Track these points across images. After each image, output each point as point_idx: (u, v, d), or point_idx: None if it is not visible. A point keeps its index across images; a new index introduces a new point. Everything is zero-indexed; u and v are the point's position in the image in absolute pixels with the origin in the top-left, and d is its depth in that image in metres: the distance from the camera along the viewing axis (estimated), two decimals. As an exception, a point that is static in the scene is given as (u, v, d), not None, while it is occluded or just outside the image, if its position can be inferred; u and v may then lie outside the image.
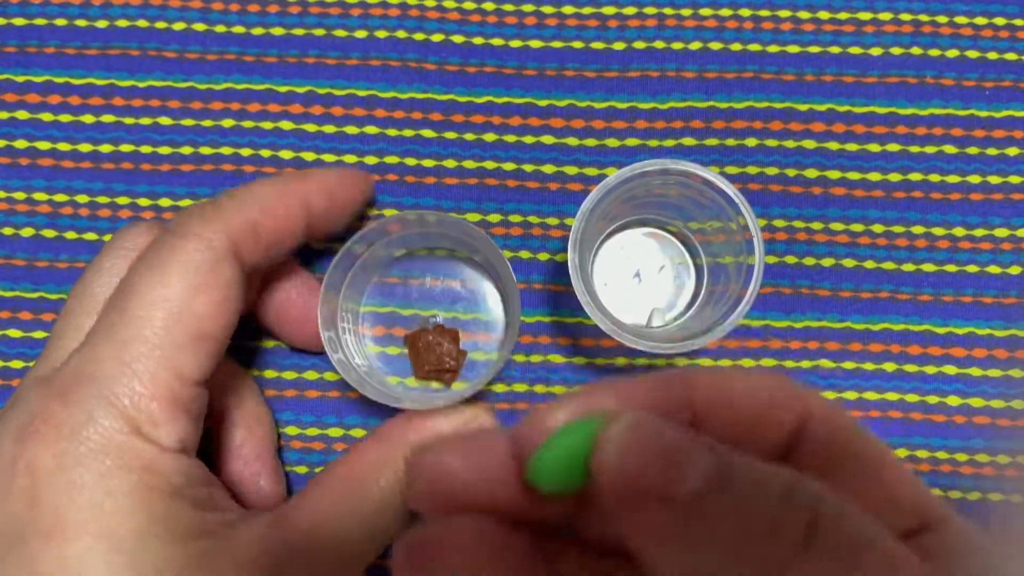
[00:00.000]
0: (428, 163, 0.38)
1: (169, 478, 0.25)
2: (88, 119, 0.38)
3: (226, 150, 0.38)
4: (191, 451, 0.27)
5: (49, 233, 0.37)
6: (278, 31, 0.39)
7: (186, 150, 0.38)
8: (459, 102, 0.38)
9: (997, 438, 0.36)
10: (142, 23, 0.39)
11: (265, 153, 0.38)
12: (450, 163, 0.38)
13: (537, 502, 0.18)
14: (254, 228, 0.29)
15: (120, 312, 0.26)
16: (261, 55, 0.38)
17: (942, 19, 0.39)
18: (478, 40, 0.39)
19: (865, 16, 0.39)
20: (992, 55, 0.38)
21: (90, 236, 0.37)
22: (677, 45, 0.38)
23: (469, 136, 0.38)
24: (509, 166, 0.38)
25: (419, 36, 0.38)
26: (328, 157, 0.38)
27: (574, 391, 0.18)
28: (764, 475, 0.15)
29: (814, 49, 0.38)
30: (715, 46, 0.38)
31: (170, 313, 0.26)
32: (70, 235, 0.37)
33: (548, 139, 0.38)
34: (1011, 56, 0.38)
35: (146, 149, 0.38)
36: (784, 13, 0.39)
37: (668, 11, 0.39)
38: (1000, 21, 0.39)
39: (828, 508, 0.15)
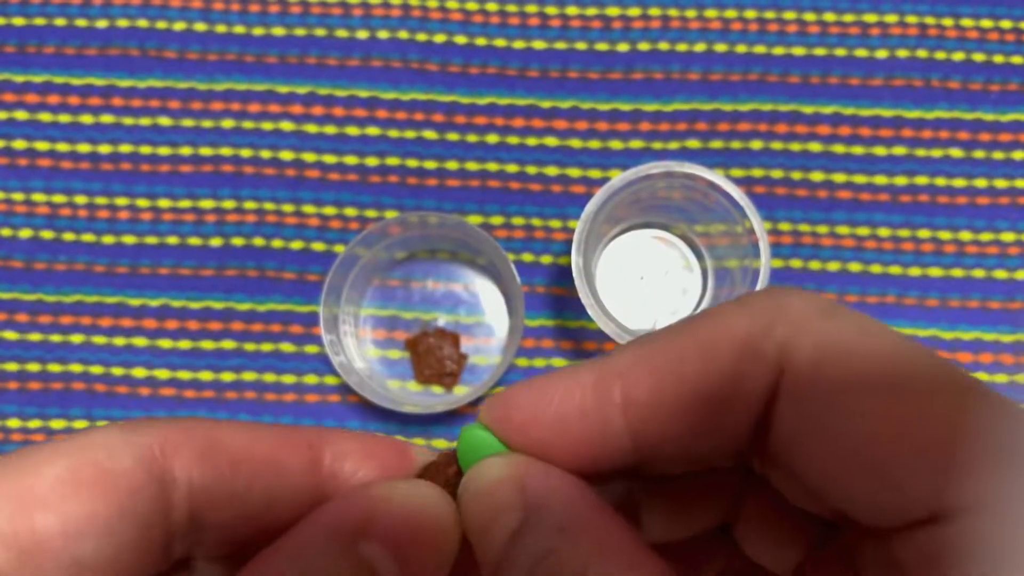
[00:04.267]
0: (430, 164, 0.37)
1: None
2: (87, 119, 0.38)
3: (226, 151, 0.38)
4: None
5: (47, 234, 0.37)
6: (279, 31, 0.38)
7: (185, 151, 0.38)
8: (462, 103, 0.38)
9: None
10: (142, 23, 0.38)
11: (265, 154, 0.37)
12: (452, 165, 0.37)
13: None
14: (210, 441, 0.18)
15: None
16: (262, 55, 0.38)
17: (948, 22, 0.38)
18: (481, 41, 0.38)
19: (871, 19, 0.38)
20: (998, 58, 0.38)
21: (88, 237, 0.37)
22: (682, 47, 0.38)
23: (472, 137, 0.37)
24: (512, 168, 0.37)
25: (421, 37, 0.38)
26: (329, 158, 0.37)
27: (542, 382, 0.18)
28: (522, 551, 0.16)
29: (820, 51, 0.38)
30: (720, 48, 0.38)
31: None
32: (68, 236, 0.37)
33: (551, 141, 0.37)
34: (1017, 59, 0.38)
35: (145, 150, 0.38)
36: (789, 15, 0.38)
37: (673, 12, 0.38)
38: (1006, 24, 0.38)
39: None
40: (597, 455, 0.17)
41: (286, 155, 0.37)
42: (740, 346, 0.16)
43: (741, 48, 0.38)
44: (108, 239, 0.37)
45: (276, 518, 0.18)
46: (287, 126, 0.38)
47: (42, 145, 0.38)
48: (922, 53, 0.38)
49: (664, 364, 0.16)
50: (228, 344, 0.36)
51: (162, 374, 0.36)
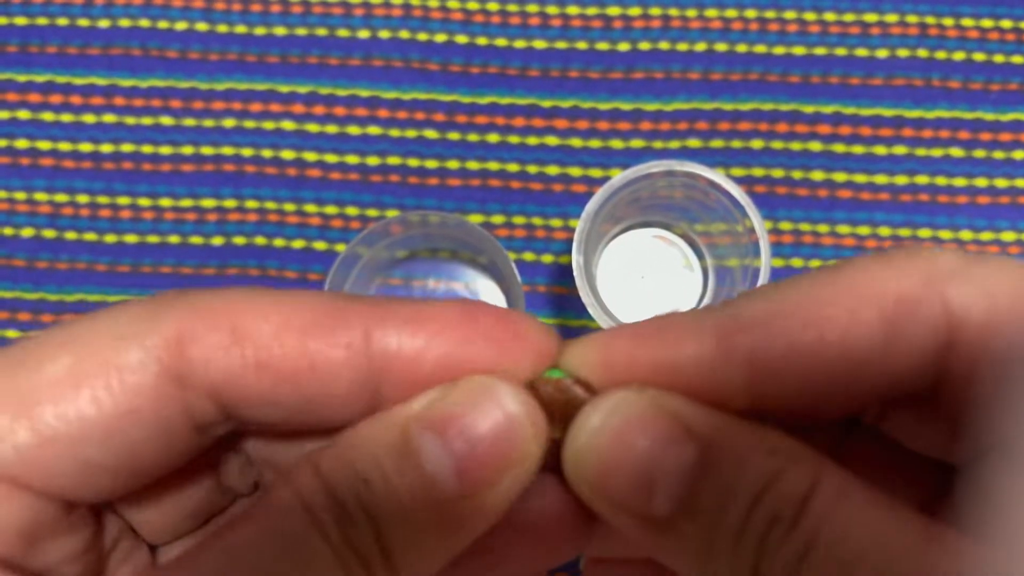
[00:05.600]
0: (431, 164, 0.37)
1: None
2: (89, 119, 0.38)
3: (227, 150, 0.38)
4: None
5: (49, 233, 0.37)
6: (280, 31, 0.38)
7: (187, 150, 0.38)
8: (462, 103, 0.38)
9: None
10: (144, 23, 0.38)
11: (267, 153, 0.38)
12: (453, 164, 0.37)
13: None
14: (233, 331, 0.15)
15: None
16: (263, 55, 0.38)
17: (948, 21, 0.38)
18: (482, 40, 0.38)
19: (871, 18, 0.38)
20: (999, 58, 0.38)
21: (90, 237, 0.37)
22: (682, 46, 0.38)
23: (472, 137, 0.38)
24: (513, 167, 0.37)
25: (422, 36, 0.38)
26: (330, 158, 0.37)
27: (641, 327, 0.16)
28: (734, 481, 0.14)
29: (820, 51, 0.38)
30: (720, 47, 0.38)
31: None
32: (70, 235, 0.37)
33: (552, 140, 0.38)
34: (1017, 59, 0.38)
35: (147, 149, 0.38)
36: (790, 15, 0.38)
37: (673, 12, 0.38)
38: (1007, 24, 0.38)
39: (807, 519, 0.14)
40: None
41: (287, 154, 0.38)
42: (893, 304, 0.14)
43: (742, 48, 0.38)
44: (110, 238, 0.37)
45: (319, 416, 0.16)
46: (289, 125, 0.38)
47: (44, 144, 0.38)
48: (923, 53, 0.38)
49: (800, 323, 0.15)
50: (230, 343, 0.36)
51: (164, 373, 0.36)
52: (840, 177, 0.37)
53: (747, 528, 0.14)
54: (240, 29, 0.38)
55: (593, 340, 0.16)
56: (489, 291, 0.37)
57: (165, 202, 0.37)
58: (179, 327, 0.15)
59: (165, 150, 0.38)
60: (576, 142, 0.38)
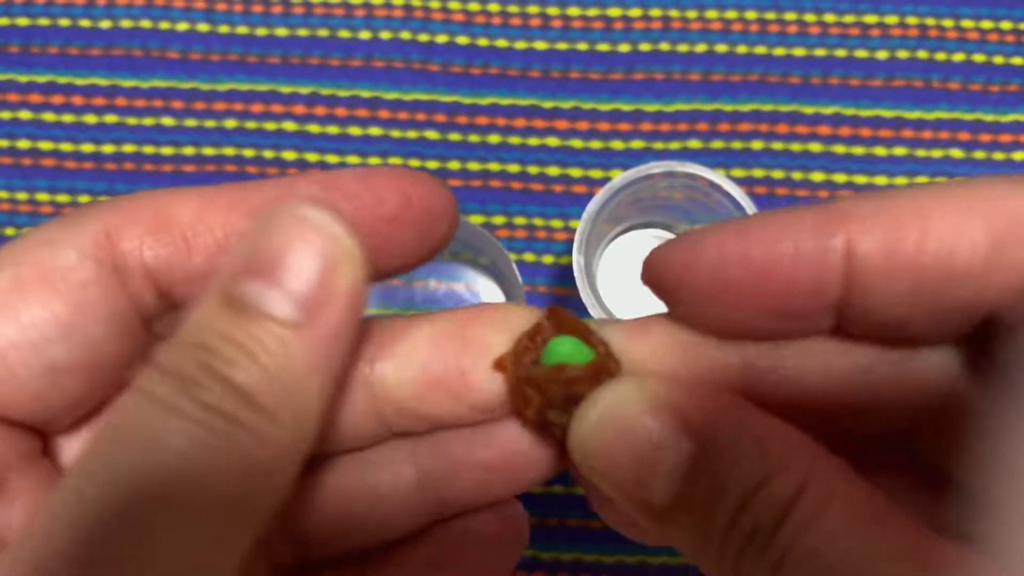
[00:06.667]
0: (432, 165, 0.37)
1: None
2: (91, 119, 0.38)
3: (229, 151, 0.38)
4: None
5: (51, 234, 0.37)
6: (282, 32, 0.38)
7: (189, 151, 0.38)
8: (463, 104, 0.38)
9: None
10: (145, 23, 0.39)
11: (268, 154, 0.38)
12: (454, 165, 0.38)
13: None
14: (158, 217, 0.16)
15: None
16: (264, 56, 0.38)
17: (948, 23, 0.39)
18: (482, 41, 0.38)
19: (871, 19, 0.39)
20: (998, 59, 0.38)
21: (92, 237, 0.37)
22: (683, 47, 0.38)
23: (473, 138, 0.38)
24: (514, 168, 0.37)
25: (423, 37, 0.38)
26: (331, 158, 0.38)
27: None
28: (725, 482, 0.14)
29: (820, 52, 0.38)
30: (721, 48, 0.38)
31: None
32: (72, 236, 0.37)
33: (553, 141, 0.38)
34: (1017, 60, 0.38)
35: (149, 150, 0.38)
36: (790, 16, 0.39)
37: (674, 13, 0.39)
38: (1006, 25, 0.38)
39: (785, 530, 0.13)
40: (795, 309, 0.15)
41: (289, 155, 0.38)
42: (1005, 224, 0.14)
43: (742, 49, 0.38)
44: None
45: None
46: (290, 126, 0.38)
47: (46, 145, 0.38)
48: (922, 54, 0.38)
49: (902, 224, 0.14)
50: (231, 343, 0.36)
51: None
52: (840, 178, 0.37)
53: (733, 531, 0.14)
54: (242, 30, 0.39)
55: (679, 241, 0.16)
56: (490, 291, 0.37)
57: (167, 202, 0.37)
58: (105, 224, 0.15)
59: (167, 151, 0.38)
60: (577, 143, 0.38)
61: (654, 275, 0.16)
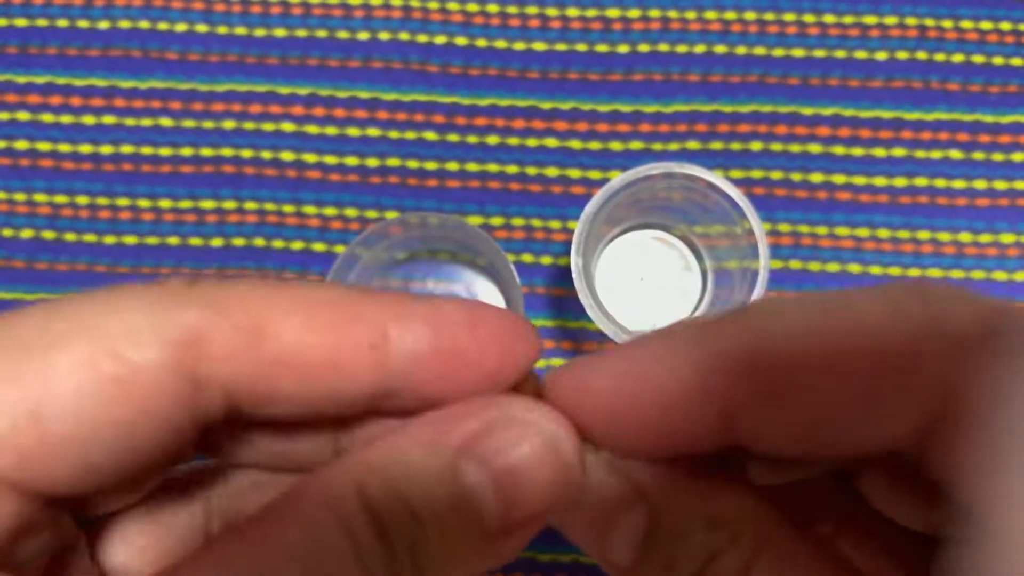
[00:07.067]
0: (431, 166, 0.37)
1: None
2: (89, 120, 0.38)
3: (227, 152, 0.38)
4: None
5: (49, 235, 0.37)
6: (280, 32, 0.38)
7: (187, 152, 0.38)
8: (462, 104, 0.38)
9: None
10: (144, 24, 0.39)
11: (266, 155, 0.38)
12: (453, 166, 0.37)
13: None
14: (253, 331, 0.15)
15: None
16: (263, 57, 0.38)
17: (947, 23, 0.38)
18: (481, 42, 0.38)
19: (870, 20, 0.38)
20: (998, 60, 0.38)
21: (90, 238, 0.37)
22: (681, 48, 0.38)
23: (472, 139, 0.38)
24: (512, 169, 0.37)
25: (422, 38, 0.38)
26: (330, 159, 0.37)
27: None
28: (676, 554, 0.14)
29: (819, 53, 0.38)
30: (720, 49, 0.38)
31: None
32: (70, 237, 0.37)
33: (551, 142, 0.38)
34: (1017, 61, 0.38)
35: (147, 150, 0.38)
36: (789, 17, 0.38)
37: (672, 14, 0.38)
38: (1006, 26, 0.38)
39: None
40: (689, 448, 0.15)
41: (287, 156, 0.38)
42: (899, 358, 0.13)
43: (741, 50, 0.38)
44: (110, 239, 0.37)
45: (331, 411, 0.15)
46: (288, 127, 0.38)
47: (44, 146, 0.38)
48: (922, 55, 0.38)
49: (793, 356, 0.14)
50: (229, 344, 0.36)
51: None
52: (839, 179, 0.37)
53: None
54: (240, 31, 0.38)
55: (565, 377, 0.16)
56: (488, 293, 0.37)
57: (164, 203, 0.37)
58: (197, 323, 0.14)
59: (165, 151, 0.38)
60: (575, 144, 0.38)
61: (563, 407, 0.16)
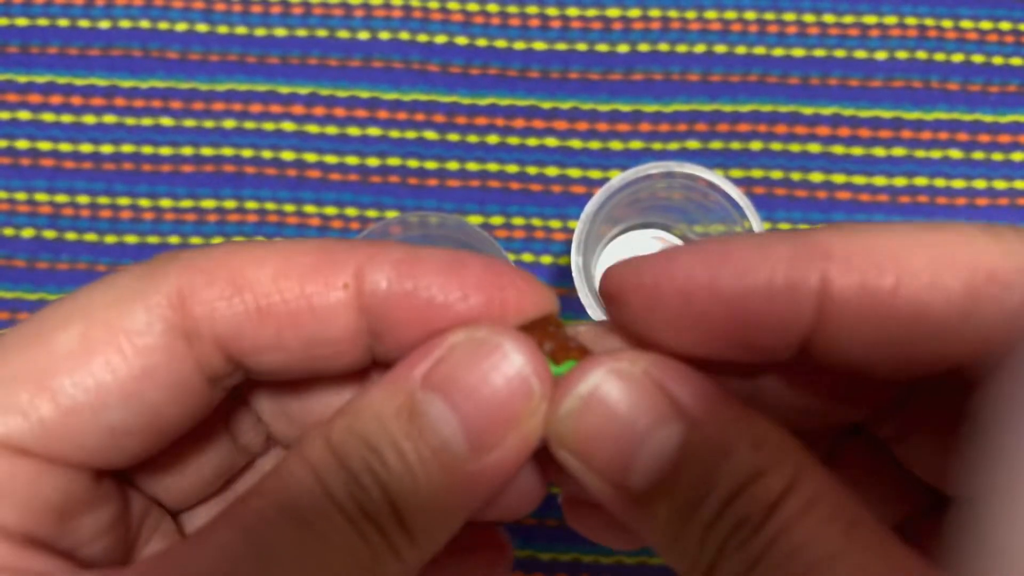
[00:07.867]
0: (431, 165, 0.37)
1: None
2: (90, 120, 0.38)
3: (228, 151, 0.38)
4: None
5: (50, 234, 0.37)
6: (281, 32, 0.38)
7: (187, 151, 0.38)
8: (462, 104, 0.38)
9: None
10: (145, 24, 0.39)
11: (267, 154, 0.38)
12: (453, 165, 0.38)
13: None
14: (233, 282, 0.15)
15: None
16: (263, 56, 0.38)
17: (947, 23, 0.39)
18: (481, 42, 0.38)
19: (870, 20, 0.39)
20: (997, 60, 0.38)
21: (91, 237, 0.37)
22: (682, 48, 0.38)
23: (472, 138, 0.38)
24: (512, 168, 0.37)
25: (422, 38, 0.38)
26: (330, 158, 0.38)
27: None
28: (715, 472, 0.14)
29: (819, 53, 0.38)
30: (720, 49, 0.38)
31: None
32: (71, 236, 0.37)
33: (551, 142, 0.38)
34: (1016, 61, 0.38)
35: (147, 150, 0.38)
36: (789, 16, 0.38)
37: (673, 14, 0.39)
38: (1006, 26, 0.38)
39: (769, 526, 0.13)
40: (760, 343, 0.15)
41: (287, 155, 0.38)
42: (983, 280, 0.13)
43: (741, 49, 0.38)
44: (110, 239, 0.37)
45: (321, 361, 0.16)
46: (289, 126, 0.38)
47: (45, 145, 0.38)
48: (921, 55, 0.38)
49: (880, 266, 0.13)
50: (229, 343, 0.36)
51: (164, 373, 0.36)
52: (839, 179, 0.37)
53: (717, 524, 0.14)
54: (241, 30, 0.39)
55: (640, 260, 0.15)
56: (488, 292, 0.37)
57: (165, 203, 0.37)
58: (178, 284, 0.15)
59: (165, 151, 0.38)
60: (575, 143, 0.38)
61: (616, 294, 0.16)
